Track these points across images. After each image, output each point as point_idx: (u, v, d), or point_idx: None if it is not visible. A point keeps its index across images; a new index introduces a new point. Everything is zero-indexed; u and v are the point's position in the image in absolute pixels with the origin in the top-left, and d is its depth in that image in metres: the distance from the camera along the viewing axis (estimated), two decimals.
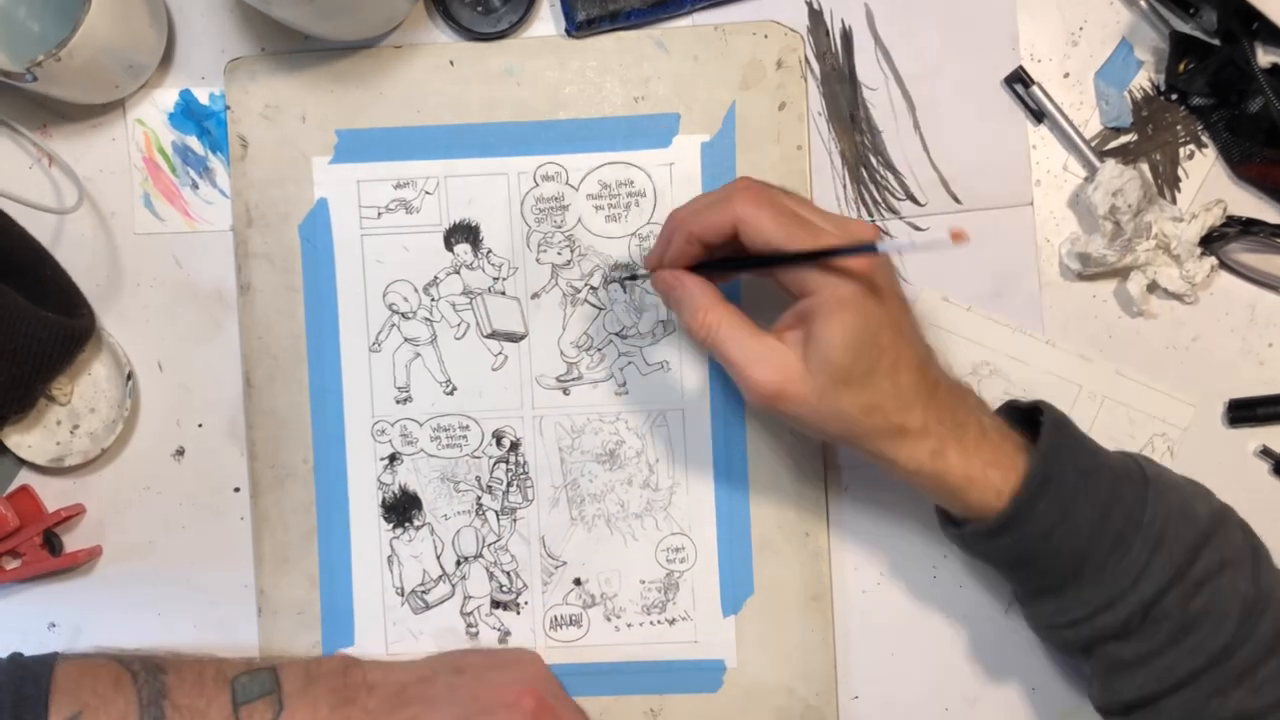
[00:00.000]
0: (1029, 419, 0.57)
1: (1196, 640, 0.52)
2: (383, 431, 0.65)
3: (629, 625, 0.65)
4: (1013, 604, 0.63)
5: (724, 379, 0.64)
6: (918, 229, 0.64)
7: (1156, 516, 0.52)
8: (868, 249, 0.49)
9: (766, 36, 0.64)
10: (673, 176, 0.64)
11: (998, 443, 0.53)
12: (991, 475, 0.53)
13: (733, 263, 0.56)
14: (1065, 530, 0.52)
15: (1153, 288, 0.63)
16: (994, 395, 0.63)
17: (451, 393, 0.65)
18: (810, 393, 0.51)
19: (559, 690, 0.63)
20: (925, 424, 0.52)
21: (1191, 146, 0.64)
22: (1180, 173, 0.64)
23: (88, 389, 0.66)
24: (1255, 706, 0.52)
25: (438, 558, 0.65)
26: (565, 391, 0.65)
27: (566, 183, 0.64)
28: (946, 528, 0.58)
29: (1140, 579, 0.52)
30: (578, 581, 0.65)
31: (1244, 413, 0.63)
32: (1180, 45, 0.62)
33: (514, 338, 0.65)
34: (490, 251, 0.64)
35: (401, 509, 0.65)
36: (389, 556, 0.65)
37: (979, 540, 0.55)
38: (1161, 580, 0.52)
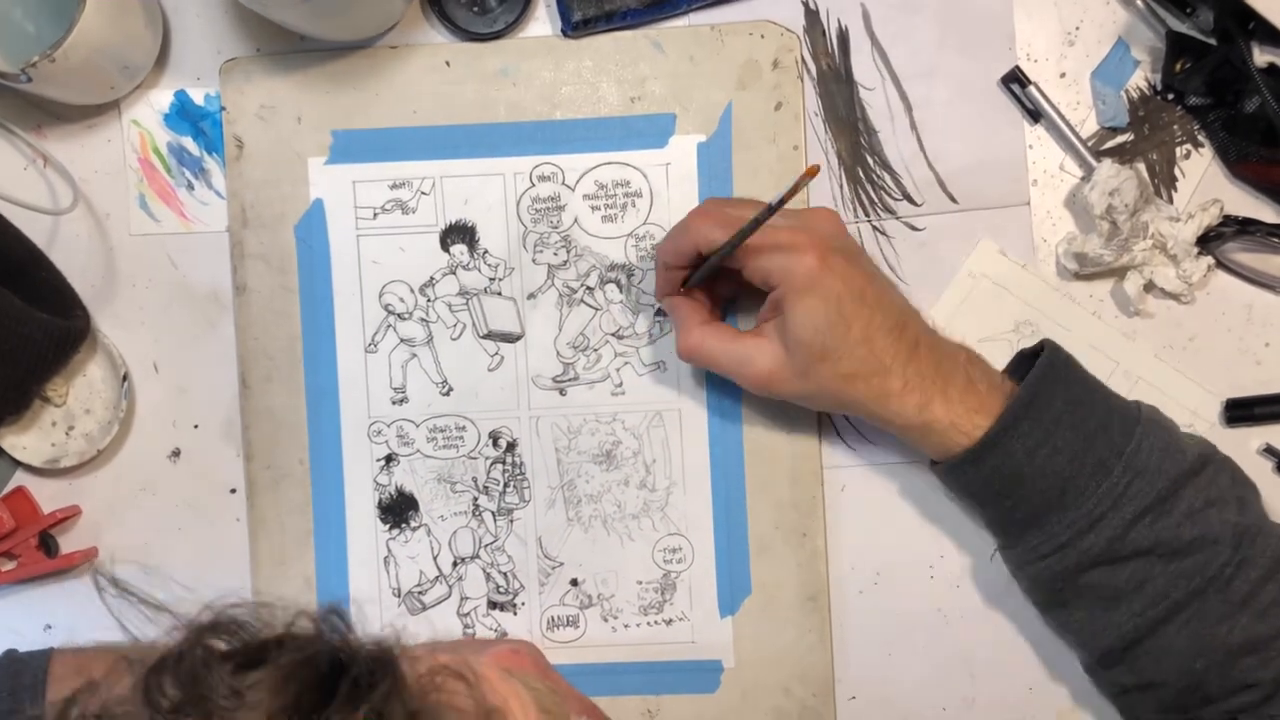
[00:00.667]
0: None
1: (1191, 564, 0.54)
2: (379, 432, 0.65)
3: (626, 626, 0.65)
4: (996, 554, 0.62)
5: (720, 378, 0.63)
6: (914, 229, 0.64)
7: (1141, 448, 0.55)
8: (766, 212, 0.53)
9: (763, 37, 0.64)
10: (669, 177, 0.64)
11: (984, 393, 0.56)
12: (978, 419, 0.56)
13: (705, 260, 0.58)
14: (1048, 451, 0.55)
15: (1150, 287, 0.63)
16: None
17: (448, 393, 0.65)
18: (794, 374, 0.56)
19: (555, 671, 0.62)
20: (906, 381, 0.55)
21: (1188, 146, 0.64)
22: (1177, 172, 0.64)
23: (83, 390, 0.66)
24: (1264, 632, 0.53)
25: (434, 559, 0.65)
26: (562, 392, 0.65)
27: (563, 183, 0.64)
28: (934, 465, 0.60)
29: (1121, 500, 0.54)
30: (575, 582, 0.65)
31: (1242, 412, 0.63)
32: (1177, 45, 0.62)
33: (510, 338, 0.65)
34: (486, 252, 0.64)
35: (398, 510, 0.65)
36: (385, 557, 0.65)
37: (965, 467, 0.57)
38: (1142, 503, 0.54)
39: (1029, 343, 0.62)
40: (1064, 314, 0.64)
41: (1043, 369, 0.56)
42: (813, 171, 0.51)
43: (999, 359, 0.61)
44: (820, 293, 0.55)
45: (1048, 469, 0.55)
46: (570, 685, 0.61)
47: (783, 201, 0.52)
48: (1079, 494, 0.55)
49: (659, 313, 0.64)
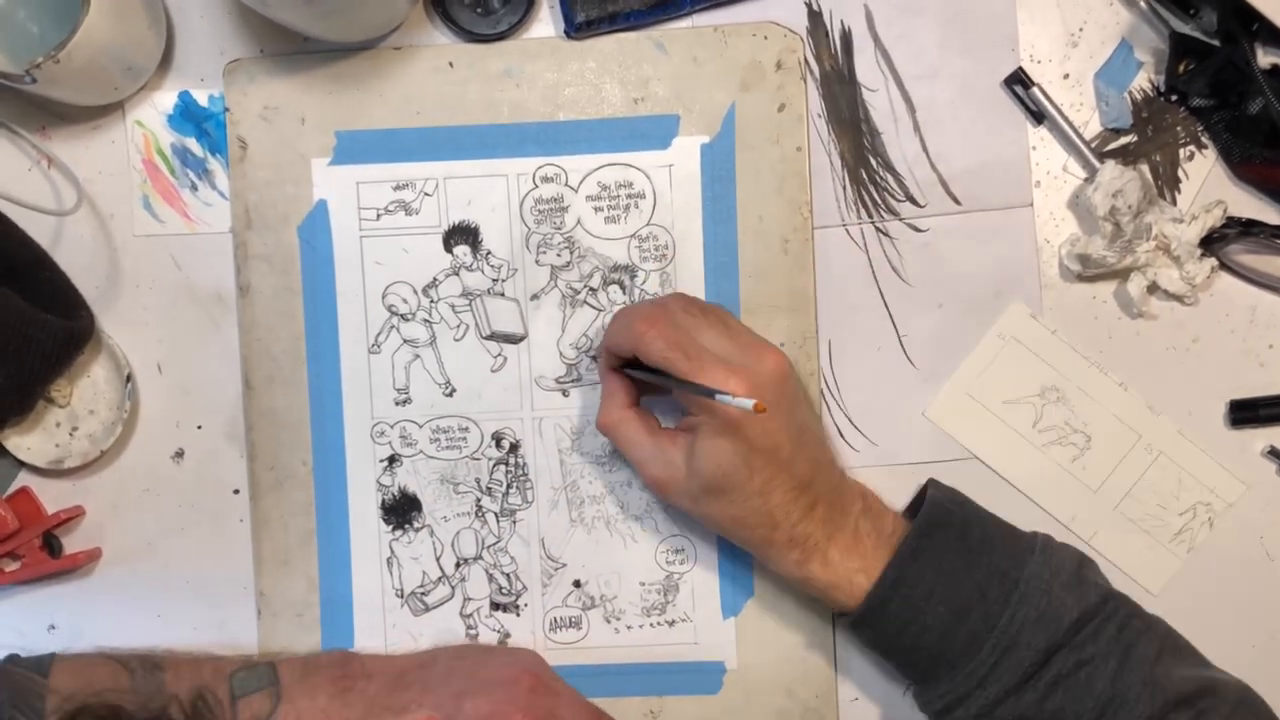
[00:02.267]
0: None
1: None
2: (382, 433, 0.65)
3: (629, 627, 0.65)
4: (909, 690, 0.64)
5: None
6: (917, 231, 0.64)
7: (1015, 619, 0.55)
8: (707, 393, 0.53)
9: (766, 38, 0.64)
10: (672, 178, 0.64)
11: (870, 550, 0.57)
12: (858, 579, 0.57)
13: (644, 368, 0.58)
14: (918, 629, 0.56)
15: (1153, 289, 0.63)
16: (1054, 422, 0.64)
17: (451, 394, 0.65)
18: (687, 494, 0.58)
19: (558, 678, 0.62)
20: (791, 539, 0.57)
21: (1191, 147, 0.64)
22: (1180, 174, 0.64)
23: (87, 391, 0.66)
24: None
25: (437, 559, 0.65)
26: (565, 393, 0.65)
27: (566, 184, 0.64)
28: (836, 616, 0.62)
29: (987, 679, 0.55)
30: (577, 583, 0.65)
31: (1246, 414, 0.63)
32: (1180, 46, 0.62)
33: (513, 339, 0.65)
34: (489, 253, 0.64)
35: (401, 511, 0.65)
36: (388, 558, 0.65)
37: (849, 631, 0.59)
38: (1009, 683, 0.54)
39: (1054, 409, 0.63)
40: (1091, 383, 0.64)
41: (914, 539, 0.57)
42: (760, 409, 0.50)
43: (1023, 422, 0.62)
44: (732, 442, 0.55)
45: (918, 644, 0.56)
46: (576, 692, 0.61)
47: (730, 404, 0.51)
48: (949, 668, 0.56)
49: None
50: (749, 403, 0.51)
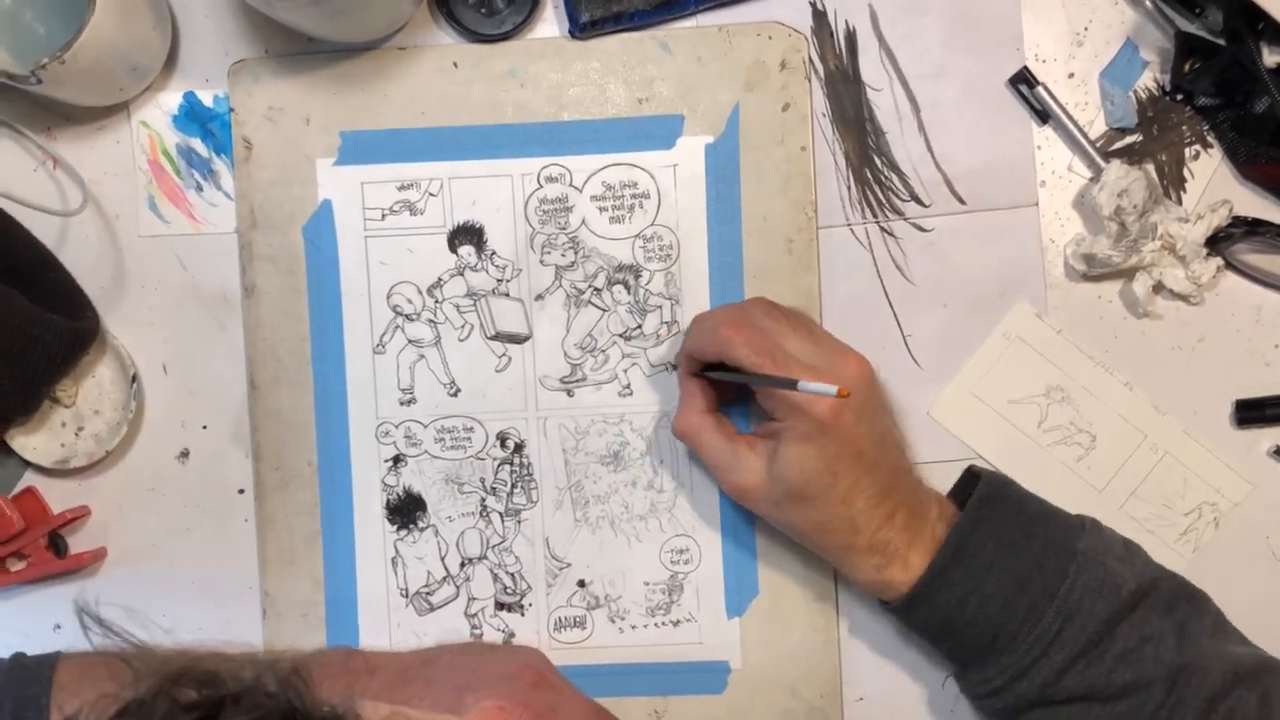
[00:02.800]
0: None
1: (1126, 707, 0.54)
2: (387, 433, 0.65)
3: (633, 627, 0.65)
4: (948, 679, 0.63)
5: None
6: (922, 230, 0.64)
7: (1075, 588, 0.55)
8: (789, 384, 0.53)
9: (770, 37, 0.64)
10: (676, 178, 0.64)
11: (941, 538, 0.57)
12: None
13: (728, 370, 0.58)
14: (978, 599, 0.56)
15: (1158, 289, 0.63)
16: (1059, 422, 0.63)
17: (455, 394, 0.65)
18: (769, 500, 0.58)
19: (560, 675, 0.62)
20: (872, 545, 0.56)
21: (1197, 147, 0.64)
22: (1186, 173, 0.64)
23: (92, 391, 0.66)
24: None
25: (442, 559, 0.65)
26: (569, 393, 0.65)
27: (570, 184, 0.64)
28: (882, 604, 0.61)
29: (1051, 647, 0.54)
30: (582, 583, 0.65)
31: (1252, 413, 0.63)
32: (1186, 45, 0.62)
33: (518, 339, 0.65)
34: (494, 253, 0.64)
35: (406, 510, 0.65)
36: (393, 558, 0.65)
37: (901, 613, 0.58)
38: (1074, 650, 0.54)
39: (1059, 408, 0.63)
40: (1096, 383, 0.63)
41: (975, 510, 0.57)
42: (844, 393, 0.51)
43: (1028, 422, 0.62)
44: (818, 447, 0.55)
45: (978, 617, 0.56)
46: (578, 689, 0.61)
47: (813, 391, 0.52)
48: (1011, 639, 0.56)
49: (638, 326, 0.64)
50: (832, 389, 0.51)
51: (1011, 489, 0.59)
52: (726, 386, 0.61)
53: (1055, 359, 0.64)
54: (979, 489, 0.58)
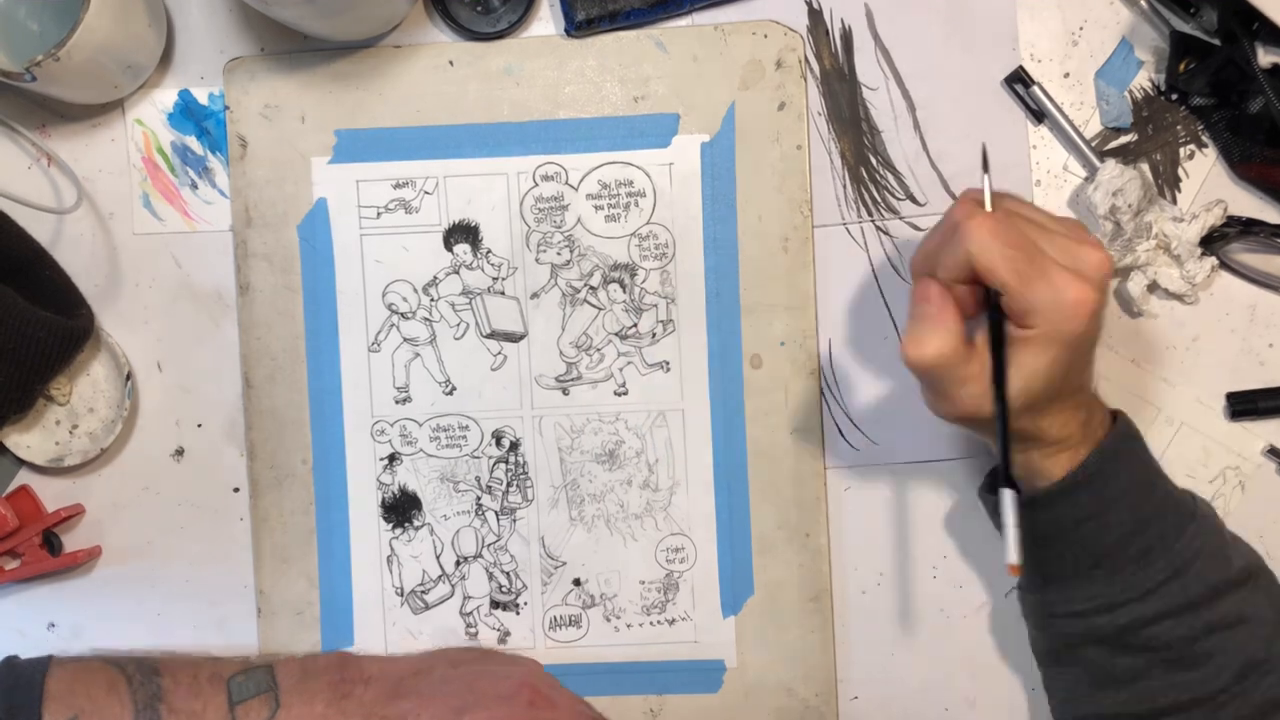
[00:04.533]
0: None
1: (1190, 678, 0.53)
2: (382, 432, 0.65)
3: (629, 626, 0.65)
4: (1013, 591, 0.63)
5: (724, 378, 0.64)
6: (918, 229, 0.64)
7: (1189, 548, 0.54)
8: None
9: (766, 36, 0.64)
10: (672, 176, 0.64)
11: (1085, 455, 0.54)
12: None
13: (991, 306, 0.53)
14: (1098, 525, 0.54)
15: (1153, 288, 0.63)
16: None
17: (451, 393, 0.65)
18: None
19: (556, 683, 0.62)
20: (1065, 437, 0.53)
21: (1192, 146, 0.64)
22: (1181, 173, 0.64)
23: (87, 389, 0.66)
24: None
25: (437, 558, 0.65)
26: (565, 392, 0.65)
27: (566, 183, 0.64)
28: (983, 494, 0.59)
29: (1150, 595, 0.54)
30: (577, 582, 0.65)
31: (1244, 405, 0.63)
32: (1180, 45, 0.62)
33: (513, 338, 0.65)
34: (490, 251, 0.64)
35: (401, 509, 0.65)
36: (388, 557, 0.65)
37: (1024, 508, 0.53)
38: (1169, 605, 0.53)
39: None
40: (1103, 364, 0.63)
41: (1115, 442, 0.55)
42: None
43: None
44: (1071, 350, 0.50)
45: (1090, 541, 0.54)
46: (575, 697, 0.61)
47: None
48: (1113, 572, 0.54)
49: (634, 324, 0.64)
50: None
51: (1141, 439, 0.57)
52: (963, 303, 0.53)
53: None
54: (1119, 426, 0.55)
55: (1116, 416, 0.57)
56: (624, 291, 0.64)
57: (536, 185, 0.64)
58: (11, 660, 0.58)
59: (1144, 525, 0.54)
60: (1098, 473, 0.54)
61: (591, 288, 0.64)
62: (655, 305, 0.64)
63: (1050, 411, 0.53)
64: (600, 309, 0.64)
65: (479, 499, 0.65)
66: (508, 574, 0.65)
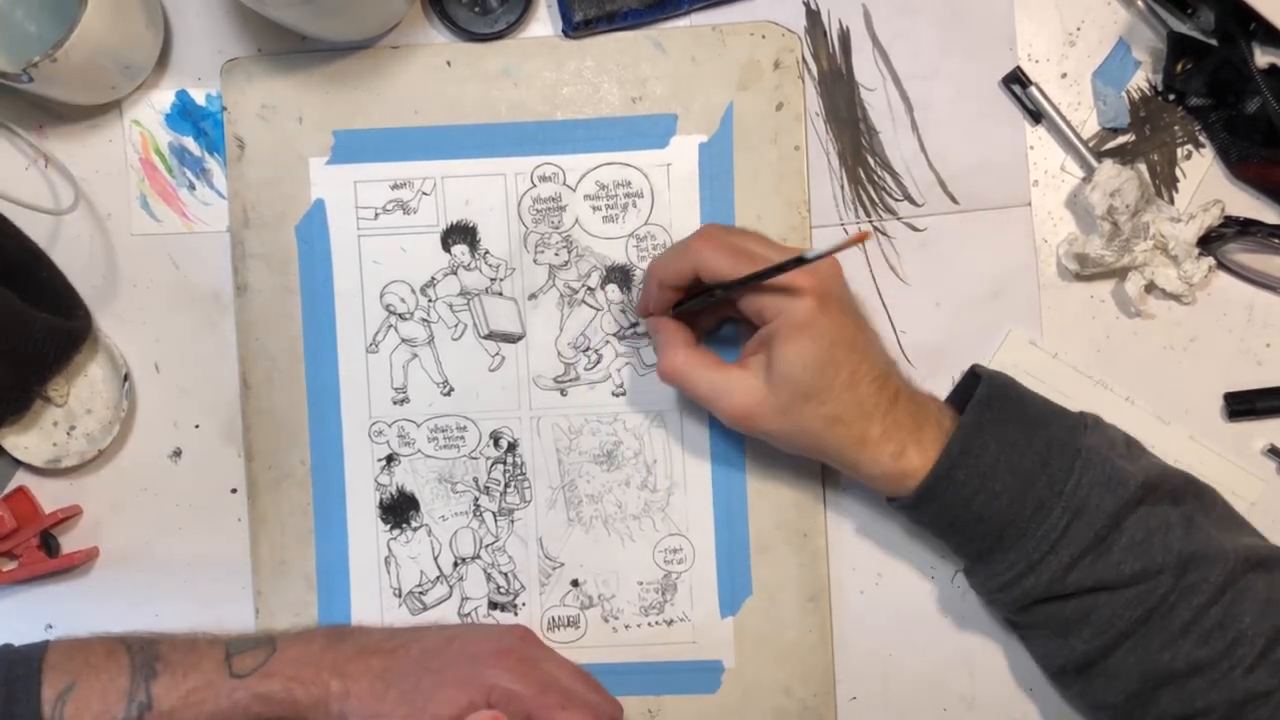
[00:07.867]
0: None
1: (1134, 594, 0.55)
2: (380, 432, 0.65)
3: (627, 626, 0.65)
4: (958, 574, 0.64)
5: None
6: (915, 230, 0.64)
7: (1081, 484, 0.55)
8: (795, 263, 0.53)
9: (764, 37, 0.64)
10: (670, 177, 0.64)
11: (950, 432, 0.57)
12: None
13: (702, 292, 0.58)
14: (985, 497, 0.56)
15: (1150, 288, 0.63)
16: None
17: (449, 393, 0.65)
18: (775, 411, 0.56)
19: (549, 650, 0.62)
20: (885, 430, 0.56)
21: (1189, 147, 0.64)
22: (1178, 173, 0.64)
23: (84, 390, 0.66)
24: (1207, 656, 0.54)
25: (435, 559, 0.65)
26: (563, 392, 0.65)
27: (564, 183, 0.64)
28: (889, 501, 0.61)
29: (1059, 544, 0.55)
30: (575, 583, 0.65)
31: (1242, 405, 0.63)
32: (1178, 46, 0.62)
33: (511, 338, 0.65)
34: (488, 252, 0.64)
35: (399, 510, 0.65)
36: (386, 558, 0.65)
37: (909, 509, 0.58)
38: (1081, 544, 0.55)
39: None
40: (1097, 401, 0.63)
41: (976, 412, 0.56)
42: (863, 236, 0.50)
43: None
44: (814, 334, 0.55)
45: (985, 513, 0.56)
46: (561, 664, 0.60)
47: (820, 256, 0.51)
48: (1018, 536, 0.56)
49: (632, 325, 0.64)
50: (841, 242, 0.50)
51: (1013, 389, 0.59)
52: (700, 321, 0.61)
53: (1054, 383, 0.63)
54: (979, 391, 0.57)
55: (979, 375, 0.59)
56: (622, 292, 0.64)
57: (534, 186, 0.64)
58: (9, 645, 0.59)
59: (1030, 481, 0.55)
60: (964, 449, 0.56)
61: (589, 288, 0.64)
62: None
63: (835, 400, 0.55)
64: (598, 310, 0.64)
65: (477, 500, 0.65)
66: (505, 575, 0.65)
